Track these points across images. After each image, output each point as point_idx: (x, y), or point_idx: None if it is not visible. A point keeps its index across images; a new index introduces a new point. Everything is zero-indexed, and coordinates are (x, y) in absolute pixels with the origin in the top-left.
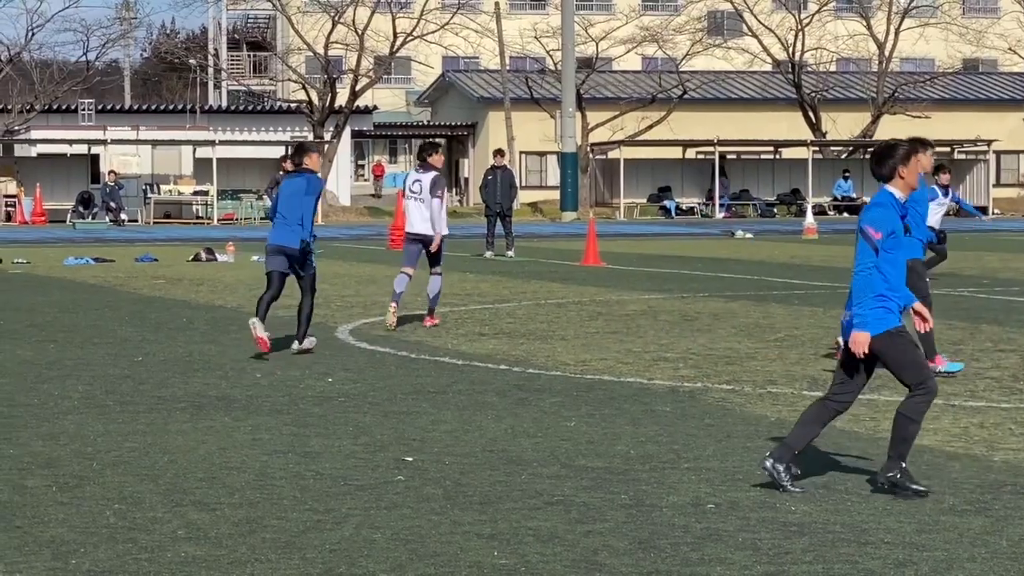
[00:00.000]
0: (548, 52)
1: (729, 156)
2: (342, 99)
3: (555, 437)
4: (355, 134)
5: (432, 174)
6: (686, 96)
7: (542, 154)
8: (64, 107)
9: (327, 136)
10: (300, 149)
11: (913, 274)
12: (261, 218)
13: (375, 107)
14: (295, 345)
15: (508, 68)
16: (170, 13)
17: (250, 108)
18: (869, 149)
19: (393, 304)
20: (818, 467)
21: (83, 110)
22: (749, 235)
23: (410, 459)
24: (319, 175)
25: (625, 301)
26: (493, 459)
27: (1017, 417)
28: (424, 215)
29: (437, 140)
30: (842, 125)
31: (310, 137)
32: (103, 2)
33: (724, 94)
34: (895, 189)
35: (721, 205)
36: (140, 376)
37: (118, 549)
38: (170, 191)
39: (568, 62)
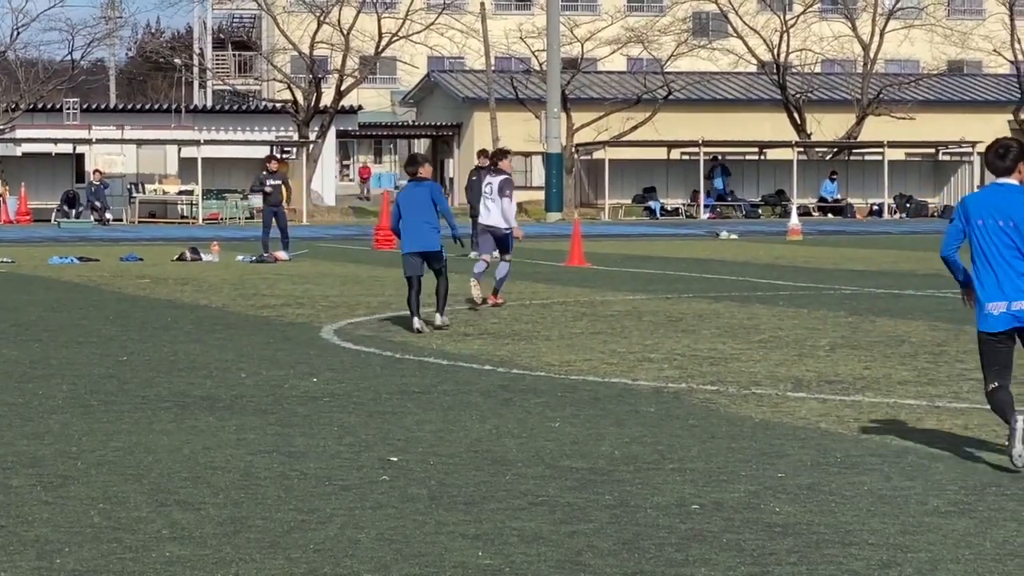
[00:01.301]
0: (533, 52)
1: (732, 156)
2: (327, 99)
3: (540, 438)
4: (340, 134)
5: (501, 177)
6: (671, 97)
7: (527, 154)
8: (49, 106)
9: (312, 136)
10: (413, 160)
11: None
12: (246, 218)
13: (360, 107)
14: (437, 318)
15: (493, 68)
16: (155, 12)
17: (235, 108)
18: (854, 150)
19: (474, 280)
20: (802, 468)
21: (68, 109)
22: (734, 236)
23: (395, 459)
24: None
25: (610, 302)
26: (478, 459)
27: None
28: (496, 211)
29: (507, 148)
30: (827, 126)
31: (295, 136)
32: (88, 1)
33: (709, 95)
34: (1015, 181)
35: (706, 206)
36: (125, 376)
37: (103, 549)
38: (155, 191)
39: (553, 63)
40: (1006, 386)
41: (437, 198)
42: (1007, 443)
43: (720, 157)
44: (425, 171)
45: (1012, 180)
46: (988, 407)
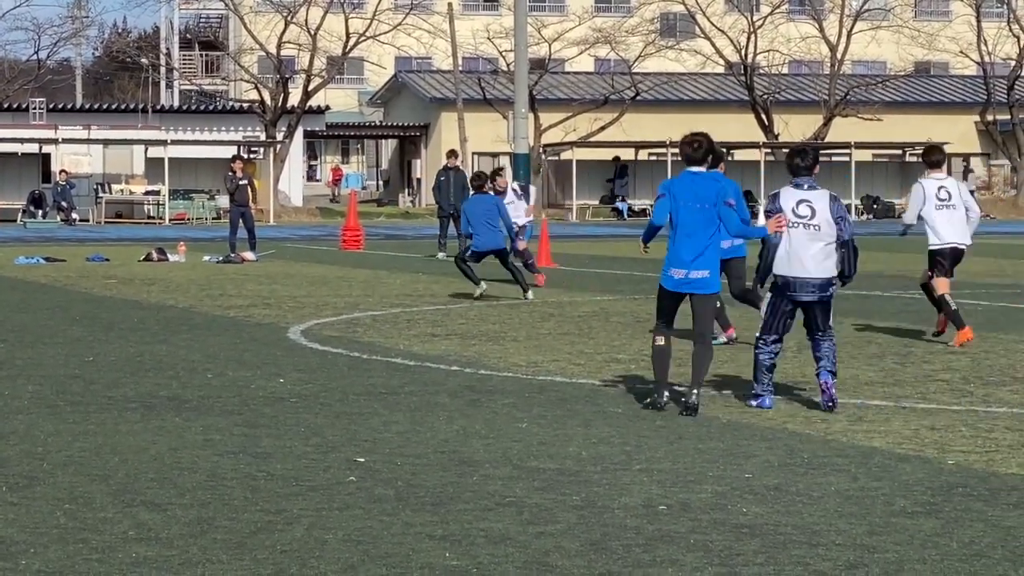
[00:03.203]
0: (501, 53)
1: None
2: (294, 99)
3: (507, 438)
4: (307, 134)
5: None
6: (639, 98)
7: (495, 155)
8: (15, 106)
9: (279, 136)
10: (493, 175)
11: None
12: (213, 218)
13: (327, 107)
14: (528, 295)
15: (461, 69)
16: (122, 12)
17: (202, 108)
18: (821, 151)
19: None
20: (769, 469)
21: (34, 109)
22: None
23: (362, 460)
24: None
25: (577, 303)
26: (445, 460)
27: (968, 420)
28: None
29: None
30: (794, 127)
31: (262, 137)
32: (55, 0)
33: (677, 96)
34: (704, 169)
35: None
36: (91, 376)
37: (68, 550)
38: (121, 191)
39: (521, 63)
40: (669, 338)
41: (503, 210)
42: (656, 396)
43: (620, 158)
44: (500, 183)
45: (703, 168)
46: (954, 408)
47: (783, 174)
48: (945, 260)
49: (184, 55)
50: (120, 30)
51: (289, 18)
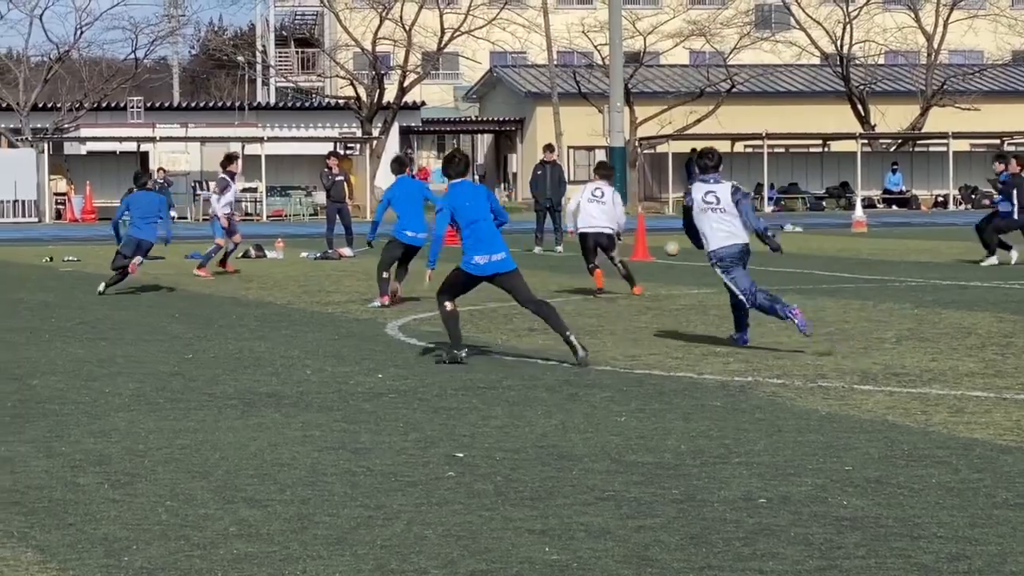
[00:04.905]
0: (595, 47)
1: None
2: (390, 95)
3: (605, 432)
4: (403, 130)
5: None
6: (734, 90)
7: (590, 148)
8: (113, 105)
9: (375, 132)
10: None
11: None
12: (310, 215)
13: (423, 103)
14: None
15: (555, 63)
16: (217, 10)
17: (298, 105)
18: (919, 142)
19: None
20: (870, 461)
21: (132, 108)
22: (798, 228)
23: (461, 455)
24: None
25: (674, 296)
26: (544, 455)
27: None
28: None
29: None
30: (891, 118)
31: (358, 133)
32: (151, 0)
33: (772, 87)
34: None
35: (770, 199)
36: (190, 373)
37: (170, 546)
38: None
39: (616, 56)
40: (456, 304)
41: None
42: (456, 352)
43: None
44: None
45: (471, 179)
46: None
47: (879, 165)
48: (587, 242)
49: (280, 52)
50: (216, 28)
51: (384, 14)
